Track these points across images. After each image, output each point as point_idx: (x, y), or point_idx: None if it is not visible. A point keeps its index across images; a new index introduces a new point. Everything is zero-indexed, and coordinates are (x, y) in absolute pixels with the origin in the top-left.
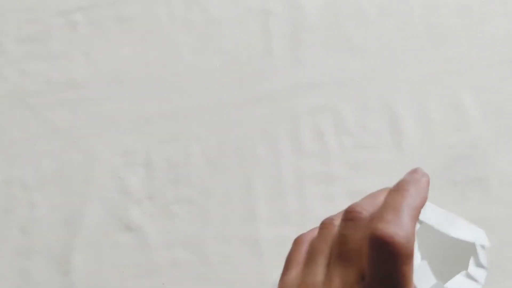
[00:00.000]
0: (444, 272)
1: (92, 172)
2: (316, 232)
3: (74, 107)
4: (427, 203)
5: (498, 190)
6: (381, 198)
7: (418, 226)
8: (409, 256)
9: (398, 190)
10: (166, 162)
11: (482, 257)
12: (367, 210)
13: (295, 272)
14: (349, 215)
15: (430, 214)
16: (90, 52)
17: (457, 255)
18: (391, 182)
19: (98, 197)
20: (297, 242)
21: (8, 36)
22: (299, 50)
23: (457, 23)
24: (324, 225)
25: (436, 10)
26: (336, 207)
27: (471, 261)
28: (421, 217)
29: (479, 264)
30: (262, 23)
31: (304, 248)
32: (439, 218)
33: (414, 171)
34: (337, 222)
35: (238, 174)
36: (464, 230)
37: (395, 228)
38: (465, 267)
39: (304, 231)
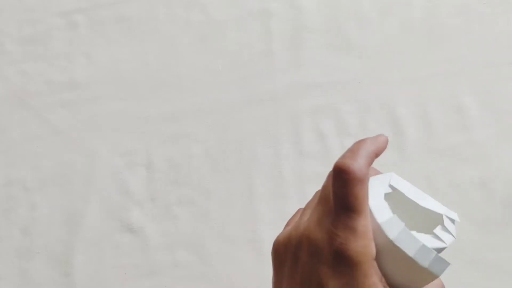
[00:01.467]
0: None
1: (92, 173)
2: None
3: (75, 107)
4: (406, 181)
5: (500, 191)
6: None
7: (390, 190)
8: (360, 180)
9: (359, 140)
10: (167, 163)
11: (451, 227)
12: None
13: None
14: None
15: (405, 186)
16: (90, 52)
17: (426, 223)
18: None
19: (99, 198)
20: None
21: (8, 36)
22: (299, 51)
23: (458, 23)
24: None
25: (437, 10)
26: None
27: (439, 227)
28: (394, 185)
29: (446, 230)
30: (262, 24)
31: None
32: (413, 191)
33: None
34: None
35: (239, 175)
36: (435, 205)
37: (349, 160)
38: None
39: None
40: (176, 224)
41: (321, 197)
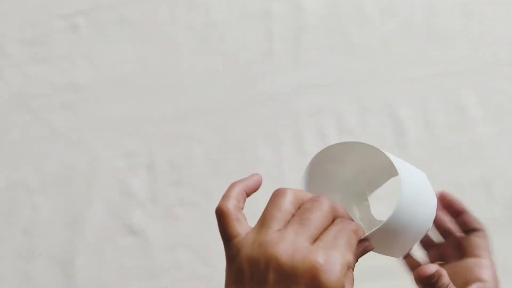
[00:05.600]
0: None
1: (94, 175)
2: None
3: (76, 109)
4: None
5: (501, 191)
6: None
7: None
8: (229, 215)
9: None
10: (168, 164)
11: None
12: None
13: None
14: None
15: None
16: (91, 54)
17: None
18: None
19: (101, 199)
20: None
21: (10, 39)
22: (300, 52)
23: (459, 23)
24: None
25: (438, 11)
26: None
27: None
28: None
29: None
30: (263, 25)
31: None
32: None
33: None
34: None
35: (240, 176)
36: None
37: (221, 203)
38: None
39: None
40: (178, 225)
41: (304, 219)
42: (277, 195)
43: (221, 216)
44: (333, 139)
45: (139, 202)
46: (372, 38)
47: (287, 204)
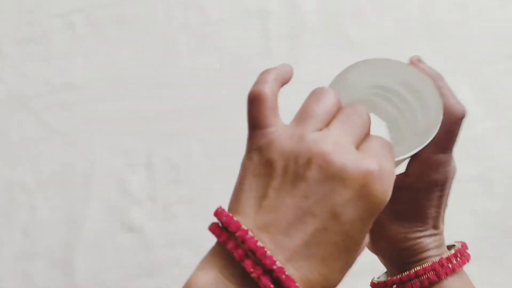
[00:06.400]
0: None
1: (92, 174)
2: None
3: (74, 108)
4: None
5: (500, 185)
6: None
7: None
8: (272, 100)
9: (265, 70)
10: (167, 162)
11: None
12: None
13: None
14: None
15: None
16: (88, 53)
17: None
18: None
19: (99, 198)
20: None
21: (6, 38)
22: (297, 49)
23: (455, 19)
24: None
25: (434, 6)
26: None
27: None
28: None
29: None
30: (260, 23)
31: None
32: None
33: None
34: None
35: (238, 173)
36: None
37: (260, 86)
38: None
39: None
40: (176, 223)
41: (348, 114)
42: (319, 93)
43: (256, 101)
44: None
45: (138, 200)
46: (369, 35)
47: (330, 104)
